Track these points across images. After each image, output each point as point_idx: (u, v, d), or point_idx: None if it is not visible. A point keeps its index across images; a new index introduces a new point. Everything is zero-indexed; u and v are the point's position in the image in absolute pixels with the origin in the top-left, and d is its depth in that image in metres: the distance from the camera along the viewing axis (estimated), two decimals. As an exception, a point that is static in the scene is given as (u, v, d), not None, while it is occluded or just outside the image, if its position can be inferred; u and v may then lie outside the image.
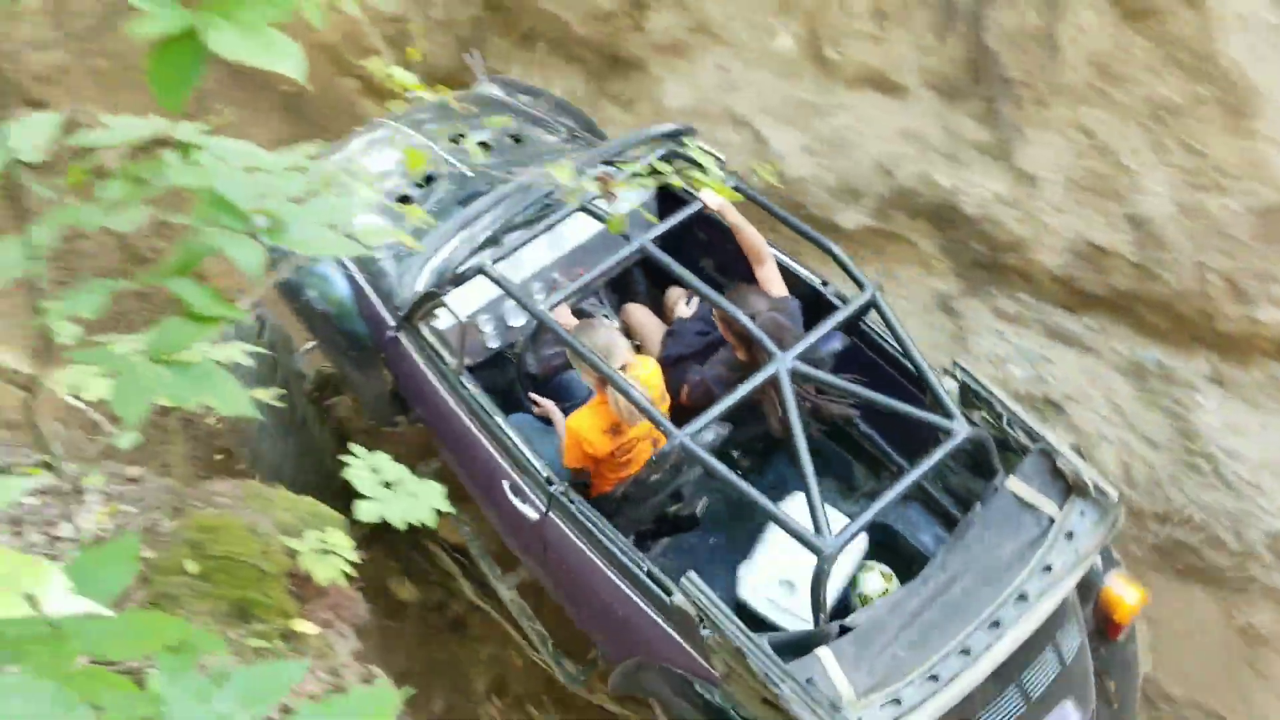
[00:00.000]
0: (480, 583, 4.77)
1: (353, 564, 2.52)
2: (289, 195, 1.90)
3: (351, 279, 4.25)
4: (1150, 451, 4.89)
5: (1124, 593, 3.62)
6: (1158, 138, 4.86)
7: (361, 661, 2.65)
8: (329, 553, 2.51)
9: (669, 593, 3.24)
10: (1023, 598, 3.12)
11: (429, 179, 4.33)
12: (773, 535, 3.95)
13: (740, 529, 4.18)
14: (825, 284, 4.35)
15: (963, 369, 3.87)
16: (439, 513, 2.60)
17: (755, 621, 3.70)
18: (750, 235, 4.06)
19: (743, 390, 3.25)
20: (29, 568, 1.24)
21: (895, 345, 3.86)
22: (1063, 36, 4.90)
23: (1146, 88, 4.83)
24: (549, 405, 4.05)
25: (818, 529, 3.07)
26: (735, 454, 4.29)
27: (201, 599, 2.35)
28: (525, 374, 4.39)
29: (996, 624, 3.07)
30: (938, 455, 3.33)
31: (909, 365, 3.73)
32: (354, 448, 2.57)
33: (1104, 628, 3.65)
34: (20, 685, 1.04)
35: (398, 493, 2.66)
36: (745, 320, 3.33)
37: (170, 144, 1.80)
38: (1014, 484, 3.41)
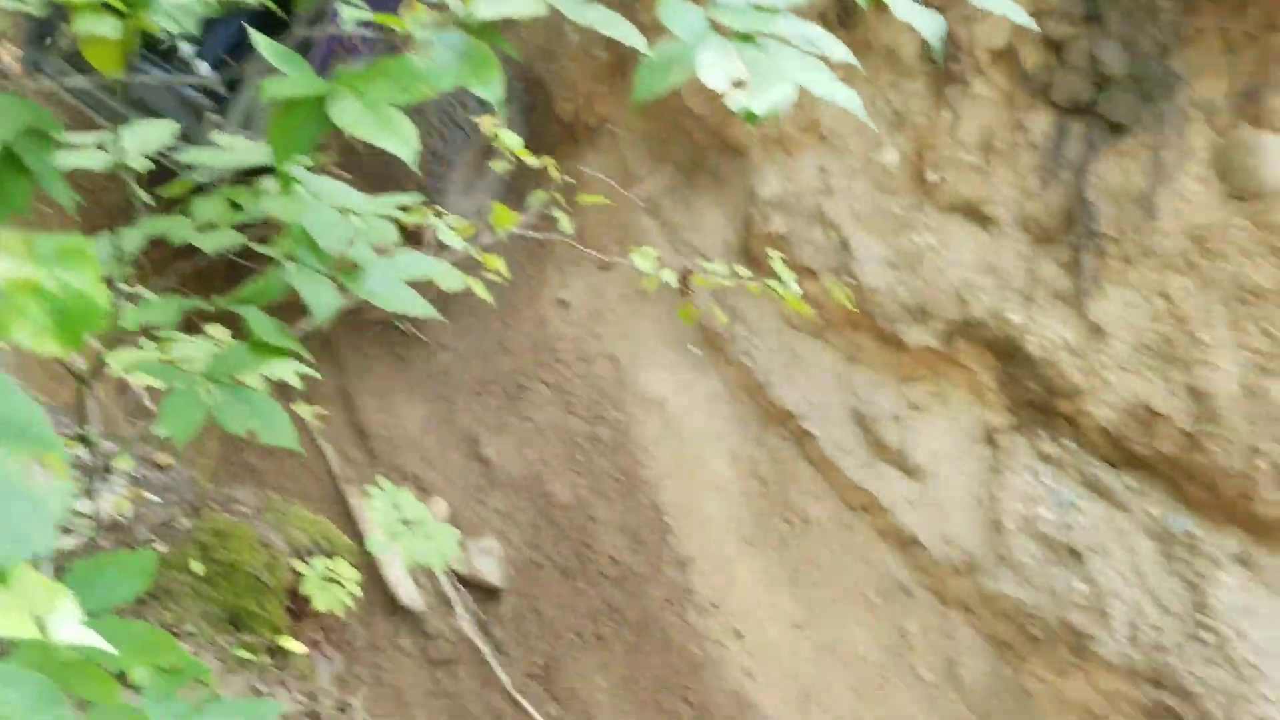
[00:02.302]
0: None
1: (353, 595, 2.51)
2: (375, 243, 1.91)
3: None
4: (1161, 616, 4.84)
5: None
6: (1237, 317, 4.82)
7: (342, 689, 2.64)
8: (334, 582, 2.51)
9: None
10: None
11: None
12: None
13: None
14: None
15: None
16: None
17: None
18: None
19: None
20: (45, 591, 1.24)
21: None
22: (1163, 203, 4.89)
23: (1236, 267, 4.79)
24: None
25: None
26: None
27: (199, 601, 2.35)
28: None
29: None
30: None
31: None
32: (380, 480, 2.56)
33: None
34: (7, 675, 1.04)
35: (414, 532, 2.66)
36: None
37: (272, 173, 1.81)
38: None
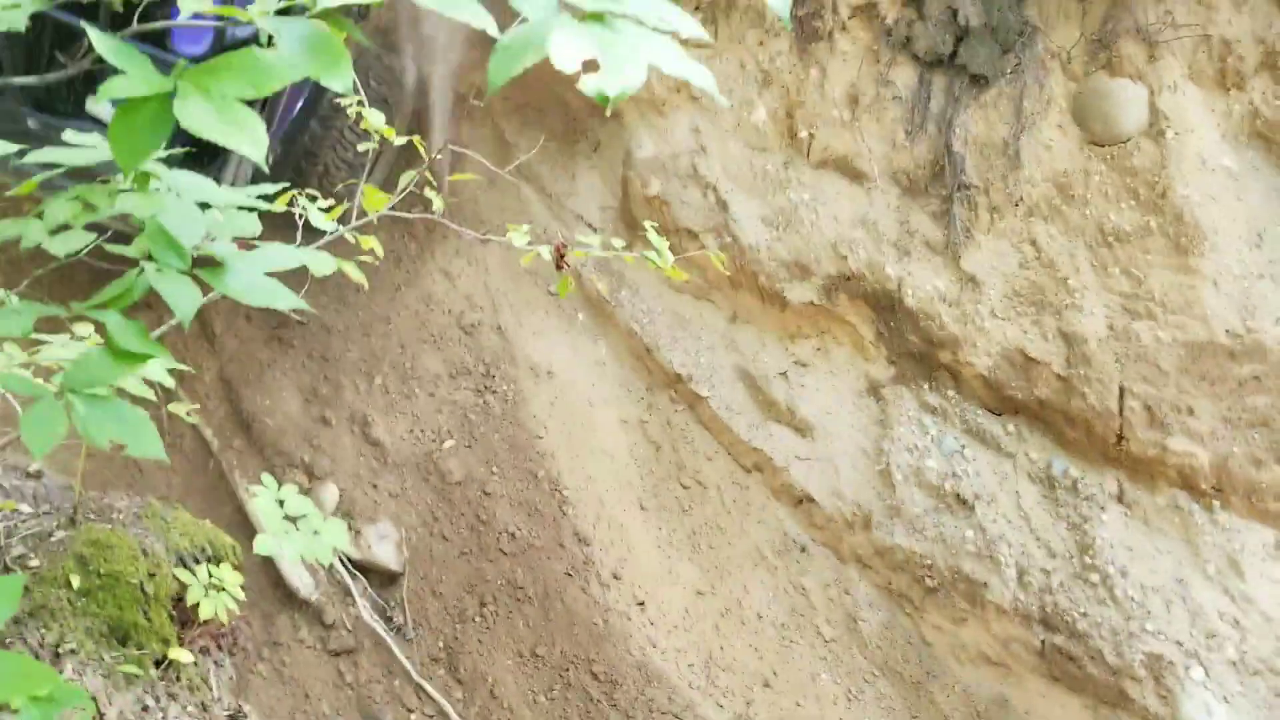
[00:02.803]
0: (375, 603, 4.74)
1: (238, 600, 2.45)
2: (237, 236, 1.85)
3: None
4: (1048, 559, 4.96)
5: None
6: (1102, 261, 4.99)
7: (236, 695, 2.58)
8: (219, 589, 2.44)
9: None
10: None
11: None
12: None
13: None
14: None
15: None
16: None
17: None
18: None
19: None
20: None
21: None
22: (1026, 151, 5.03)
23: (1099, 211, 4.96)
24: None
25: None
26: None
27: (80, 616, 2.26)
28: None
29: None
30: None
31: None
32: (264, 478, 2.50)
33: None
34: None
35: (301, 528, 2.60)
36: None
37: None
38: None
